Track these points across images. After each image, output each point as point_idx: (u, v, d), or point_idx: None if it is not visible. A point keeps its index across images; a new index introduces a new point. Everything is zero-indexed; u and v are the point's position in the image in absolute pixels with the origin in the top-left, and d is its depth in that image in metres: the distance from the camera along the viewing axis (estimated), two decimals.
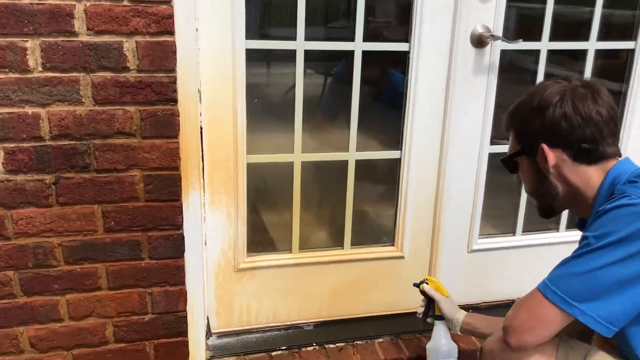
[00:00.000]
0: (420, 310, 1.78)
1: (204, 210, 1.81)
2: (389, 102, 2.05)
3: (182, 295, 1.74)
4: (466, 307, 2.02)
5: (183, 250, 1.70)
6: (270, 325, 2.05)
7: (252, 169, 1.87)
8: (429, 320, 1.78)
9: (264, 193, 1.98)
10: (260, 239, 2.00)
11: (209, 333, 1.97)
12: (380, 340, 2.04)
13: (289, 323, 2.06)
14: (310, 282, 2.04)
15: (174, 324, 1.76)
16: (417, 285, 1.79)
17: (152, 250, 1.67)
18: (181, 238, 1.69)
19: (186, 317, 1.77)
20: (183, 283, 1.73)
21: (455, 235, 2.12)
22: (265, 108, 1.90)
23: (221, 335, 2.00)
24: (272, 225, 2.02)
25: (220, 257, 1.92)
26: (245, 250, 1.94)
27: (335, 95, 2.01)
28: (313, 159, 1.95)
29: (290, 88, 1.84)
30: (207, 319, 1.95)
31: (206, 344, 1.92)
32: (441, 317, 1.72)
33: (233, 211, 1.88)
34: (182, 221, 1.69)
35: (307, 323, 2.08)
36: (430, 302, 1.75)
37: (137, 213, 1.63)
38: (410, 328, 2.09)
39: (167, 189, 1.63)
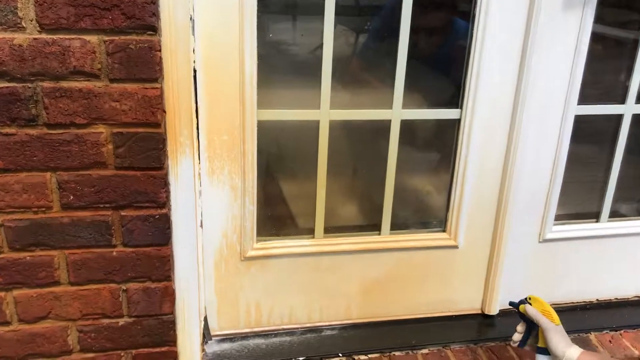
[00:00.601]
0: (517, 336, 1.33)
1: (199, 183, 1.37)
2: (448, 56, 1.56)
3: (168, 295, 1.31)
4: None
5: (169, 236, 1.27)
6: (285, 327, 1.62)
7: (264, 129, 1.42)
8: (526, 347, 1.34)
9: (280, 161, 1.53)
10: (274, 220, 1.56)
11: (207, 337, 1.55)
12: (425, 351, 1.60)
13: (309, 325, 1.64)
14: (337, 276, 1.60)
15: (158, 331, 1.34)
16: (515, 305, 1.36)
17: (127, 234, 1.24)
18: (165, 220, 1.25)
19: (174, 321, 1.35)
20: (169, 278, 1.30)
21: (525, 220, 1.65)
22: (283, 51, 1.44)
23: (223, 339, 1.58)
24: (289, 203, 1.57)
25: (222, 243, 1.49)
26: (255, 234, 1.51)
27: (377, 39, 1.53)
28: (345, 117, 1.48)
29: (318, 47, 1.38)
30: (205, 319, 1.54)
31: (203, 350, 1.51)
32: (546, 351, 1.28)
33: (239, 183, 1.44)
34: (168, 197, 1.25)
35: (331, 326, 1.65)
36: (531, 327, 1.31)
37: (105, 185, 1.20)
38: (464, 336, 1.65)
39: (146, 152, 1.19)
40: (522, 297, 1.37)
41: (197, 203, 1.35)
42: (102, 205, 1.21)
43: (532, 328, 1.31)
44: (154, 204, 1.23)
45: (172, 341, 1.36)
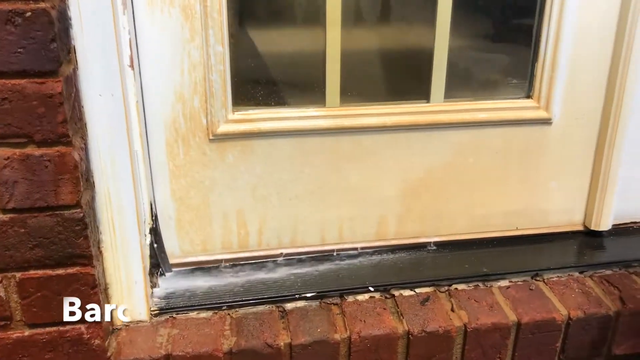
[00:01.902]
0: None
1: None
2: None
3: (67, 169, 0.75)
4: None
5: (57, 59, 0.70)
6: (284, 251, 1.06)
7: None
8: None
9: None
10: (259, 78, 0.98)
11: (163, 266, 0.99)
12: (504, 283, 1.02)
13: (322, 249, 1.07)
14: (364, 169, 1.03)
15: (57, 237, 0.78)
16: None
17: None
18: (47, 23, 0.69)
19: (84, 220, 0.78)
20: (66, 140, 0.74)
21: None
22: None
23: (190, 269, 1.02)
24: (284, 48, 0.99)
25: (177, 110, 0.93)
26: (229, 96, 0.94)
27: None
28: None
29: None
30: (158, 236, 0.98)
31: (153, 284, 0.95)
32: None
33: (197, 5, 0.88)
34: None
35: (357, 249, 1.08)
36: None
37: None
38: (562, 262, 1.07)
39: None
40: None
41: (119, 20, 0.79)
42: None
43: None
44: None
45: (85, 256, 0.80)
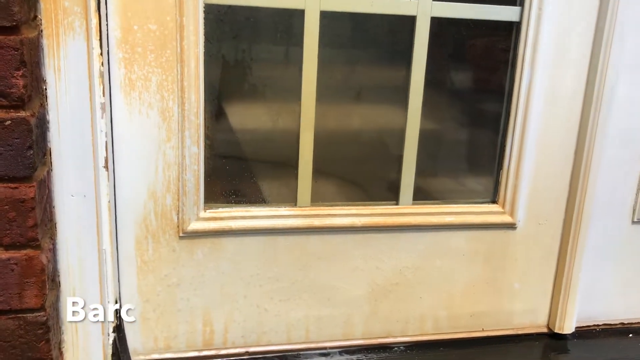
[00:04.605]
0: None
1: (101, 91, 0.83)
2: None
3: (33, 273, 0.74)
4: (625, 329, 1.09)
5: (32, 165, 0.71)
6: (250, 349, 1.04)
7: (217, 20, 0.90)
8: None
9: (243, 79, 0.99)
10: (232, 178, 1.00)
11: None
12: None
13: (288, 348, 1.06)
14: (332, 269, 1.04)
15: (18, 341, 0.76)
16: None
17: None
18: (26, 134, 0.70)
19: (47, 324, 0.77)
20: (35, 243, 0.74)
21: (613, 191, 1.10)
22: None
23: None
24: (257, 149, 1.02)
25: (149, 207, 0.93)
26: (202, 195, 0.95)
27: None
28: (344, 7, 0.96)
29: None
30: (121, 334, 0.95)
31: None
32: None
33: (175, 108, 0.90)
34: (33, 92, 0.71)
35: (323, 349, 1.07)
36: None
37: None
38: None
39: None
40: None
41: (97, 123, 0.81)
42: None
43: None
44: (2, 98, 0.68)
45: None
